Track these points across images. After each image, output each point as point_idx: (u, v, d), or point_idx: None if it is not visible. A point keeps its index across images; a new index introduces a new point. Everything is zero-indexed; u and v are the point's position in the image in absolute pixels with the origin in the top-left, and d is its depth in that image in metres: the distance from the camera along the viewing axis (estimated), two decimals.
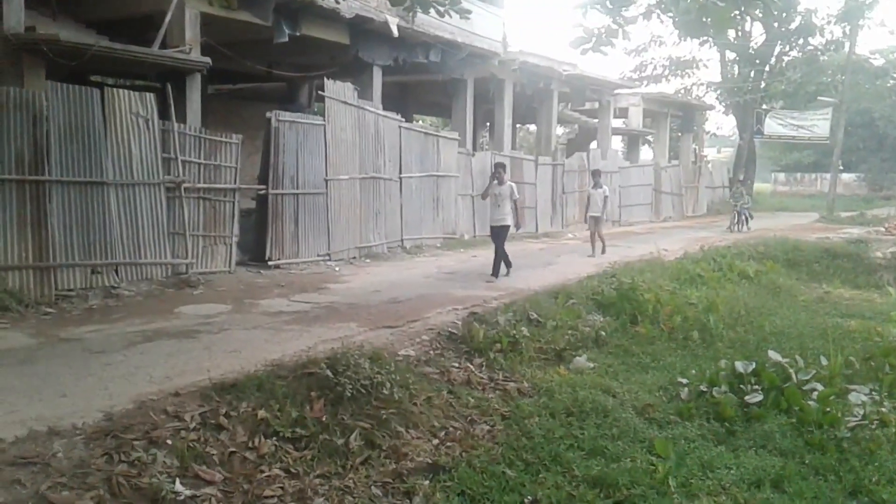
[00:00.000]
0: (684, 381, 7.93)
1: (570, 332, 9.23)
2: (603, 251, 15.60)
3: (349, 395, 6.07)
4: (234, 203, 11.56)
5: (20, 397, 5.38)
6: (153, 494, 4.28)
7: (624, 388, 7.69)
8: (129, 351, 6.89)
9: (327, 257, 13.24)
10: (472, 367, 7.78)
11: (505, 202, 12.17)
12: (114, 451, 4.47)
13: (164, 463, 4.50)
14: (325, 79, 13.52)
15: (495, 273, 12.09)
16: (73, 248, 9.31)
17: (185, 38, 11.72)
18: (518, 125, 33.10)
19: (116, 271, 9.81)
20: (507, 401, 7.21)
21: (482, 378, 7.61)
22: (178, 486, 4.36)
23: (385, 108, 15.64)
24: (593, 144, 29.00)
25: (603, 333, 9.48)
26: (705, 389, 7.56)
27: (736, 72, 35.03)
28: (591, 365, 8.43)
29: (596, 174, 16.52)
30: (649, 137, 34.74)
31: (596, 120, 28.86)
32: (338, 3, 10.11)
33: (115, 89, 10.23)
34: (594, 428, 6.61)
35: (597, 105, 27.88)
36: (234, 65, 14.81)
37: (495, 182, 12.25)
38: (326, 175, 13.21)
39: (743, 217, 24.34)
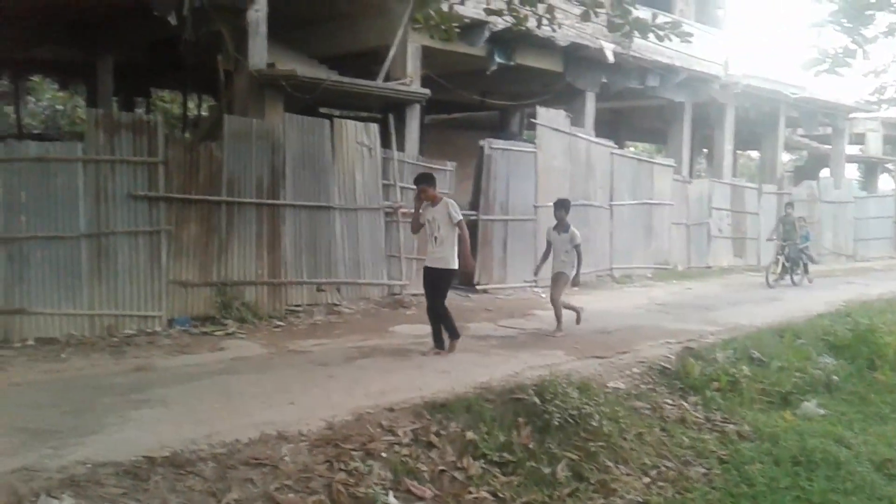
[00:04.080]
0: None
1: (797, 374, 8.53)
2: (577, 320, 9.51)
3: (557, 423, 5.98)
4: None
5: (254, 402, 5.83)
6: None
7: (860, 440, 6.95)
8: (348, 365, 7.27)
9: (534, 283, 13.23)
10: (686, 404, 7.40)
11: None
12: (334, 459, 4.70)
13: (379, 475, 4.67)
14: (538, 106, 13.63)
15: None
16: (302, 267, 10.05)
17: (407, 70, 12.33)
18: (739, 151, 31.34)
19: (338, 290, 10.45)
20: (726, 443, 6.77)
21: (697, 417, 7.20)
22: (392, 499, 4.49)
23: (597, 135, 15.47)
24: (824, 172, 26.76)
25: (835, 378, 8.66)
26: None
27: None
28: (822, 411, 7.72)
29: (561, 208, 9.52)
30: (889, 165, 31.45)
31: (828, 146, 26.62)
32: (554, 31, 10.16)
33: (342, 120, 10.97)
34: (824, 480, 6.01)
35: (829, 130, 25.71)
36: (450, 95, 15.34)
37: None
38: (536, 202, 13.27)
39: None
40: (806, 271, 16.05)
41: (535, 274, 10.40)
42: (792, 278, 15.60)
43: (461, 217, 7.80)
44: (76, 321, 8.17)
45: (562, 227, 9.35)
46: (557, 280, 9.35)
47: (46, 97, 25.87)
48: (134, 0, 10.91)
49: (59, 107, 26.09)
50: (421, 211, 7.83)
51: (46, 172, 8.06)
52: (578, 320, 9.50)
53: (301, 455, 4.72)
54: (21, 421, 5.10)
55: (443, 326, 7.90)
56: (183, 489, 4.09)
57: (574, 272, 9.28)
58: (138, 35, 14.14)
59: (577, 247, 9.21)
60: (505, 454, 5.51)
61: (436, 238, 7.79)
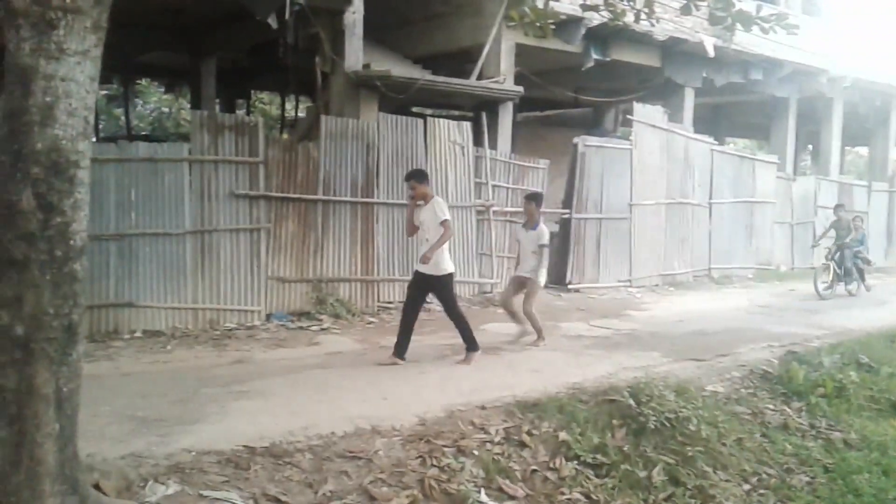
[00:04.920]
0: None
1: None
2: (539, 338, 8.19)
3: (653, 426, 5.83)
4: None
5: (348, 396, 5.92)
6: (461, 501, 4.43)
7: None
8: (439, 362, 7.30)
9: (628, 283, 12.98)
10: (789, 410, 7.10)
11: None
12: (427, 454, 4.72)
13: (471, 472, 4.65)
14: (634, 103, 13.36)
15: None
16: (394, 264, 10.16)
17: (500, 68, 12.29)
18: (847, 147, 29.84)
19: None
20: (831, 452, 6.47)
21: (801, 424, 6.90)
22: (484, 497, 4.47)
23: (696, 131, 15.04)
24: None
25: None
26: None
27: None
28: None
29: (531, 201, 8.35)
30: None
31: None
32: (652, 26, 9.90)
33: (436, 119, 11.03)
34: None
35: None
36: (543, 92, 15.21)
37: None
38: (631, 200, 13.00)
39: None
40: (862, 279, 13.84)
41: (515, 271, 8.66)
42: (846, 287, 13.63)
43: (447, 217, 7.03)
44: (181, 314, 8.51)
45: (531, 223, 8.16)
46: (529, 287, 8.07)
47: (153, 100, 27.16)
48: (236, 5, 11.29)
49: (165, 109, 27.35)
50: (416, 210, 7.21)
51: (155, 172, 8.43)
52: (540, 337, 8.14)
53: (394, 450, 4.76)
54: (130, 409, 5.34)
55: (461, 336, 7.27)
56: (281, 479, 4.19)
57: (543, 277, 8.09)
58: (240, 39, 14.65)
59: (542, 247, 7.99)
60: (599, 456, 5.40)
61: (427, 240, 7.13)
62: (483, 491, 4.57)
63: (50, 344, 3.14)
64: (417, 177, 7.26)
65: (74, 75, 3.20)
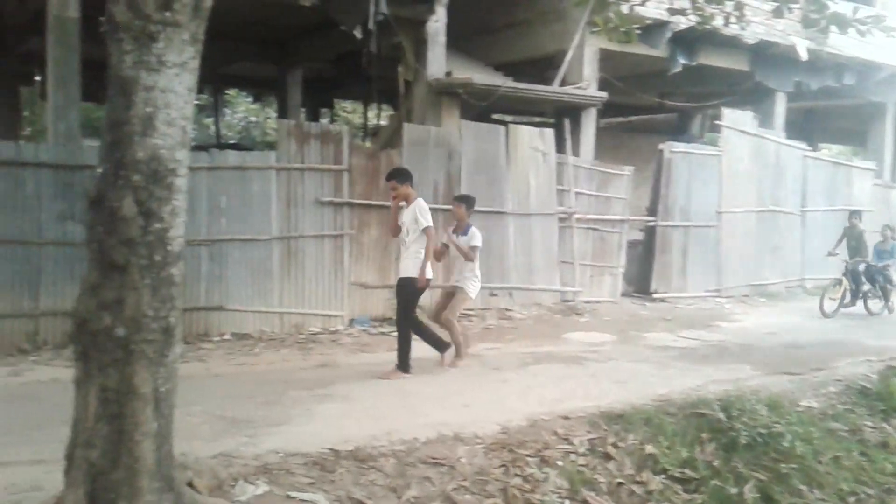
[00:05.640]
0: None
1: None
2: (457, 355, 7.27)
3: (744, 442, 5.63)
4: (622, 234, 11.64)
5: (429, 403, 5.94)
6: None
7: None
8: (521, 370, 7.24)
9: (716, 293, 12.62)
10: (889, 428, 6.75)
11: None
12: (509, 463, 4.68)
13: (555, 483, 4.59)
14: (723, 108, 13.01)
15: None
16: None
17: (583, 74, 12.16)
18: None
19: (510, 295, 10.46)
20: None
21: None
22: None
23: (788, 136, 14.50)
24: None
25: None
26: None
27: None
28: None
29: (462, 203, 7.49)
30: None
31: None
32: (743, 29, 9.58)
33: (517, 126, 10.99)
34: None
35: None
36: (626, 97, 14.96)
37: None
38: (719, 207, 12.64)
39: None
40: (886, 298, 11.94)
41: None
42: (866, 305, 11.90)
43: (429, 224, 6.67)
44: (267, 318, 8.72)
45: (461, 227, 7.38)
46: (457, 295, 7.30)
47: (241, 109, 28.02)
48: (322, 16, 11.54)
49: (253, 118, 28.16)
50: (399, 212, 6.82)
51: (244, 179, 8.68)
52: (458, 354, 7.30)
53: (477, 457, 4.74)
54: (220, 409, 5.49)
55: (397, 349, 6.83)
56: (365, 483, 4.22)
57: (475, 286, 7.36)
58: (325, 49, 14.95)
59: (473, 248, 7.24)
60: (687, 470, 5.25)
61: (405, 242, 6.80)
62: (567, 502, 4.49)
63: (149, 345, 3.25)
64: (398, 176, 6.85)
65: (173, 86, 3.31)
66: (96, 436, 3.19)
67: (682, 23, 11.10)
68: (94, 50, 8.06)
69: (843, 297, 11.58)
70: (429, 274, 6.79)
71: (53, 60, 8.70)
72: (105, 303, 3.21)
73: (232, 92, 25.40)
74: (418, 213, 6.68)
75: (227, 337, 8.33)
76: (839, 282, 11.65)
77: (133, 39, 3.24)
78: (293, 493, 4.00)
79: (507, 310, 10.27)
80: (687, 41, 13.19)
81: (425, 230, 6.65)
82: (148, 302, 3.25)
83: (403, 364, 6.80)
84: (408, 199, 6.80)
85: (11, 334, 7.52)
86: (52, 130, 8.79)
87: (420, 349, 7.66)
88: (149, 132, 3.26)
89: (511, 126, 10.86)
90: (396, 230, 6.94)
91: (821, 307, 11.31)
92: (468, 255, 7.12)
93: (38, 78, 16.37)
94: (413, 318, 6.91)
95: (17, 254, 7.58)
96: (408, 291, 6.76)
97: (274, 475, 4.20)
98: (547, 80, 12.05)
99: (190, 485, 3.68)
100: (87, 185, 7.29)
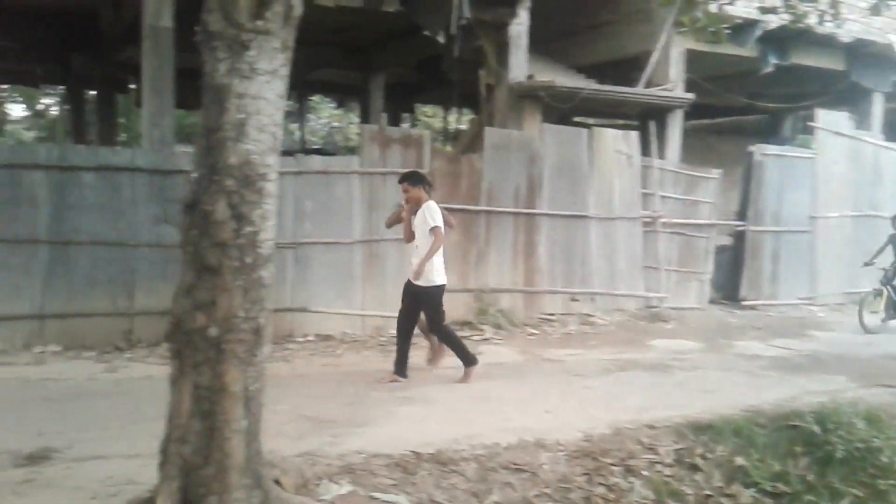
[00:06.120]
0: None
1: None
2: (429, 360, 7.22)
3: (840, 456, 5.35)
4: (709, 239, 11.32)
5: (510, 408, 5.90)
6: None
7: None
8: (604, 377, 7.12)
9: (808, 301, 12.12)
10: None
11: (419, 241, 6.62)
12: (593, 472, 4.59)
13: (640, 493, 4.47)
14: (816, 109, 12.50)
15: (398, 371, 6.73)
16: (557, 276, 10.05)
17: (669, 75, 11.90)
18: None
19: (593, 300, 10.30)
20: None
21: None
22: None
23: (887, 139, 13.83)
24: None
25: None
26: None
27: None
28: None
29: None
30: None
31: None
32: (838, 27, 9.20)
33: (601, 128, 10.83)
34: None
35: None
36: (713, 99, 14.57)
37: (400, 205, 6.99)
38: (813, 212, 12.15)
39: None
40: None
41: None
42: None
43: (436, 223, 6.39)
44: (349, 320, 8.84)
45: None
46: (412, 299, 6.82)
47: (324, 115, 28.62)
48: (404, 22, 11.65)
49: (336, 124, 28.72)
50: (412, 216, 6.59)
51: (328, 184, 8.83)
52: (431, 360, 7.18)
53: (559, 465, 4.67)
54: (304, 409, 5.59)
55: (454, 353, 6.71)
56: (447, 486, 4.22)
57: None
58: (407, 55, 15.13)
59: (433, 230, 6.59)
60: (779, 484, 5.03)
61: (416, 247, 6.54)
62: None
63: (240, 345, 3.33)
64: (411, 179, 6.63)
65: (264, 93, 3.39)
66: (189, 432, 3.29)
67: (774, 21, 10.75)
68: (186, 58, 8.40)
69: (888, 309, 10.43)
70: (443, 279, 6.57)
71: (148, 69, 9.07)
72: (199, 303, 3.31)
73: (315, 98, 25.95)
74: (427, 214, 6.45)
75: (310, 338, 8.47)
76: (879, 293, 10.49)
77: (227, 48, 3.33)
78: (376, 494, 4.03)
79: (589, 315, 10.11)
80: (778, 40, 12.74)
81: (433, 230, 6.40)
82: (239, 303, 3.33)
83: (467, 360, 6.69)
84: (418, 203, 6.56)
85: (108, 332, 7.86)
86: (146, 136, 9.16)
87: (502, 354, 7.66)
88: (241, 138, 3.34)
89: (595, 129, 10.71)
90: (410, 236, 6.68)
91: (861, 322, 10.17)
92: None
93: (133, 86, 17.11)
94: (442, 327, 6.69)
95: (113, 255, 7.93)
96: (433, 300, 6.55)
97: (357, 475, 4.24)
98: (631, 82, 11.83)
99: (276, 482, 3.75)
100: (180, 190, 7.60)
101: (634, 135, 10.84)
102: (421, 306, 6.60)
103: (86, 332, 7.77)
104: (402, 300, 6.75)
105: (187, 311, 3.33)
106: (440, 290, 6.55)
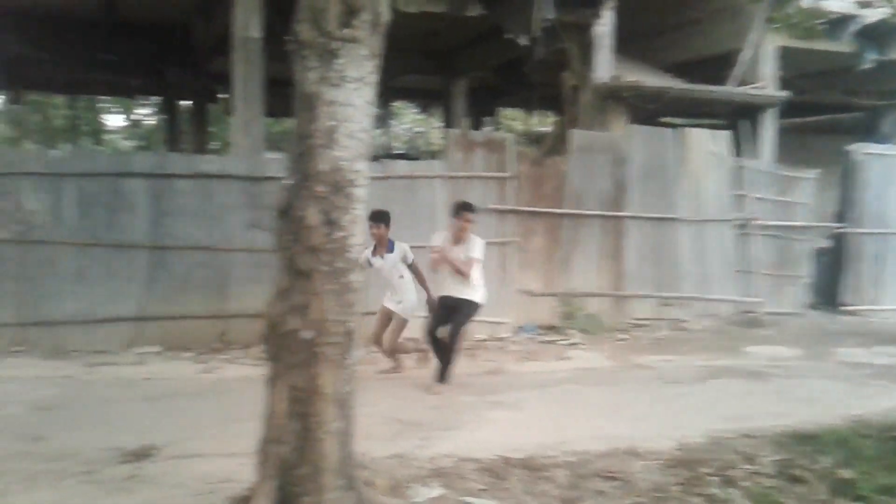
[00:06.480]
0: None
1: None
2: (393, 366, 7.21)
3: None
4: (806, 242, 10.86)
5: (601, 414, 5.80)
6: None
7: None
8: (697, 384, 6.91)
9: None
10: None
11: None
12: (688, 481, 4.44)
13: None
14: None
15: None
16: (646, 280, 9.82)
17: (761, 73, 11.50)
18: None
19: (684, 305, 10.02)
20: None
21: None
22: None
23: None
24: None
25: None
26: None
27: None
28: None
29: (381, 223, 6.75)
30: None
31: None
32: None
33: (690, 129, 10.54)
34: None
35: None
36: (807, 96, 13.99)
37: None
38: None
39: None
40: None
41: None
42: None
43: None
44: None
45: (382, 248, 6.84)
46: (395, 320, 6.92)
47: (407, 120, 28.94)
48: (486, 26, 11.63)
49: (418, 129, 28.99)
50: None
51: (412, 188, 8.89)
52: (394, 370, 7.19)
53: (653, 473, 4.53)
54: (393, 412, 5.64)
55: (442, 365, 6.60)
56: (538, 493, 4.15)
57: (411, 304, 6.84)
58: (488, 59, 15.11)
59: (411, 266, 6.89)
60: (887, 498, 4.75)
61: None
62: None
63: (332, 348, 3.37)
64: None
65: (353, 100, 3.42)
66: (286, 432, 3.35)
67: (872, 16, 10.27)
68: (274, 68, 8.61)
69: None
70: (484, 300, 6.64)
71: (238, 78, 9.35)
72: (293, 307, 3.37)
73: (399, 104, 26.25)
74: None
75: None
76: None
77: (317, 56, 3.38)
78: (467, 499, 4.00)
79: (680, 320, 9.85)
80: (877, 35, 12.16)
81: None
82: (331, 306, 3.38)
83: (448, 377, 6.61)
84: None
85: (204, 334, 8.13)
86: (237, 144, 9.44)
87: (591, 359, 7.55)
88: (331, 145, 3.38)
89: (684, 129, 10.43)
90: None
91: None
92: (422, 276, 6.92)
93: (224, 95, 17.69)
94: (460, 334, 6.61)
95: (208, 260, 8.20)
96: (471, 314, 6.59)
97: (448, 479, 4.23)
98: (718, 81, 11.48)
99: (368, 484, 3.78)
100: (270, 196, 7.80)
101: (725, 135, 10.50)
102: (456, 315, 6.49)
103: (183, 334, 8.06)
104: (435, 312, 6.68)
105: (282, 315, 3.39)
106: (479, 308, 6.63)
